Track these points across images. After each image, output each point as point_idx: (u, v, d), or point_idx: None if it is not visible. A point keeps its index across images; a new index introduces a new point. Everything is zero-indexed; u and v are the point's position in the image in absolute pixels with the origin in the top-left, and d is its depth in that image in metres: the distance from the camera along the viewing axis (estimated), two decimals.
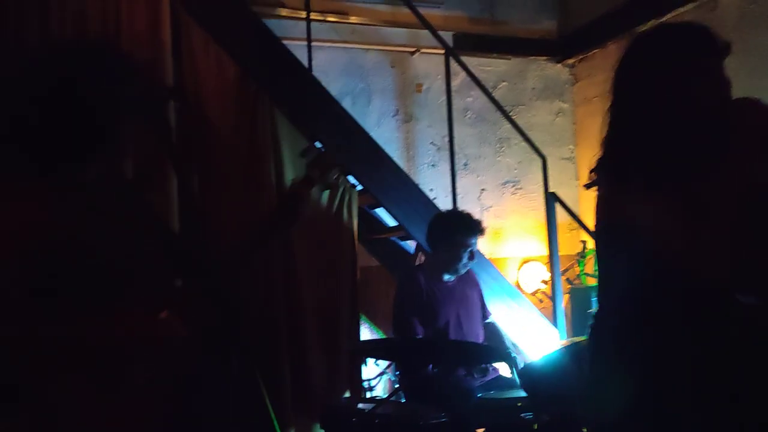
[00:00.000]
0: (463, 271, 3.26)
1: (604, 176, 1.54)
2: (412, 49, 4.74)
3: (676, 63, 1.47)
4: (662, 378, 1.43)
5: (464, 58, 4.58)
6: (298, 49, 3.79)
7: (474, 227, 3.22)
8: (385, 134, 4.58)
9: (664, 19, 4.23)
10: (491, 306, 3.60)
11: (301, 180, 2.76)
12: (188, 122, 3.13)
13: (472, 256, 3.21)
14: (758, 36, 3.75)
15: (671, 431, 1.43)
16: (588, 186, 1.60)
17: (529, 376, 2.55)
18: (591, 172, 1.59)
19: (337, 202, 3.53)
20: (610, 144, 1.53)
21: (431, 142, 4.79)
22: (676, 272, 1.38)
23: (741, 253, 1.35)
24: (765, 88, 3.70)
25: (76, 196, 1.37)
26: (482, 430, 2.83)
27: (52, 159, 1.36)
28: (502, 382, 3.13)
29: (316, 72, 3.81)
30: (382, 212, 4.16)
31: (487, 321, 3.46)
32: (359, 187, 3.68)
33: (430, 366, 2.70)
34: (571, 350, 2.54)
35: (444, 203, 4.25)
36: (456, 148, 4.76)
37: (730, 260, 1.36)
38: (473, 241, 3.20)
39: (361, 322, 4.39)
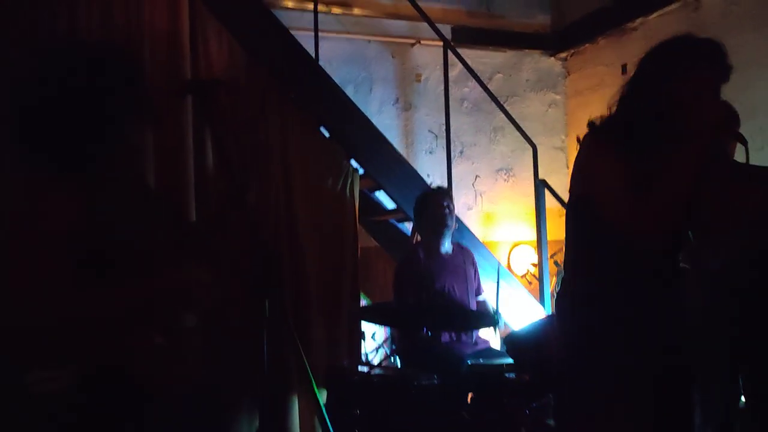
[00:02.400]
0: (450, 225, 3.54)
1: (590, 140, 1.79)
2: (413, 41, 4.96)
3: (665, 65, 1.74)
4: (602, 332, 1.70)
5: (462, 50, 4.79)
6: (304, 39, 4.02)
7: (439, 190, 3.68)
8: (386, 121, 4.81)
9: (650, 17, 4.48)
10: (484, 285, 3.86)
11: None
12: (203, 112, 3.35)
13: (451, 213, 3.55)
14: (739, 36, 3.97)
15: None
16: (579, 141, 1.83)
17: (513, 341, 2.82)
18: (588, 124, 1.82)
19: (340, 184, 3.77)
20: (608, 118, 1.79)
21: (429, 130, 5.03)
22: (625, 242, 1.64)
23: (682, 223, 1.61)
24: (743, 82, 3.93)
25: (108, 187, 1.59)
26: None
27: (83, 156, 1.55)
28: (491, 352, 3.39)
29: (321, 61, 4.03)
30: (381, 196, 4.39)
31: (480, 299, 3.73)
32: (361, 171, 3.92)
33: (425, 329, 2.95)
34: (552, 319, 2.81)
35: None
36: (452, 135, 4.98)
37: (670, 229, 1.61)
38: (443, 198, 3.57)
39: (360, 298, 4.65)
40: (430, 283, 3.41)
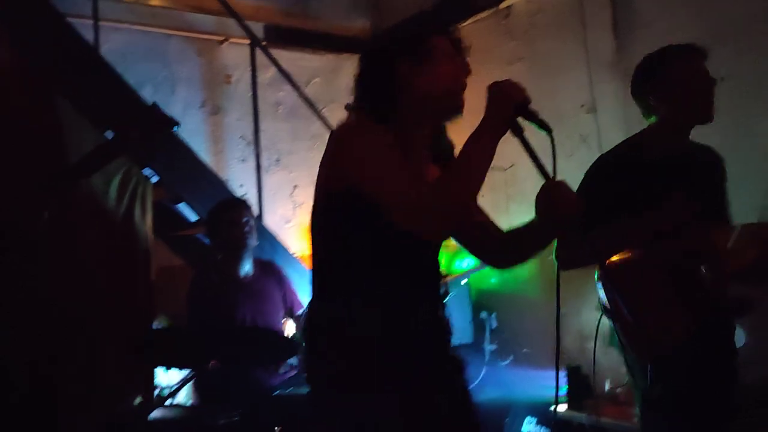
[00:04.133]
0: (250, 244, 3.18)
1: None
2: (221, 38, 4.55)
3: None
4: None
5: (277, 52, 4.48)
6: (89, 29, 3.50)
7: (236, 202, 3.32)
8: (191, 126, 4.34)
9: (465, 24, 4.45)
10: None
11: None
12: None
13: (251, 230, 3.17)
14: (545, 42, 4.05)
15: None
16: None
17: None
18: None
19: (128, 195, 3.29)
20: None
21: (241, 136, 4.63)
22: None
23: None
24: (551, 89, 4.01)
25: None
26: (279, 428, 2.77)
27: None
28: (302, 378, 3.07)
29: (112, 55, 3.53)
30: (186, 208, 3.94)
31: (299, 313, 3.40)
32: (155, 180, 3.45)
33: (213, 361, 2.58)
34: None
35: (255, 199, 4.13)
36: (268, 142, 4.66)
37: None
38: (241, 213, 3.19)
39: (164, 324, 4.14)
40: (228, 313, 3.01)
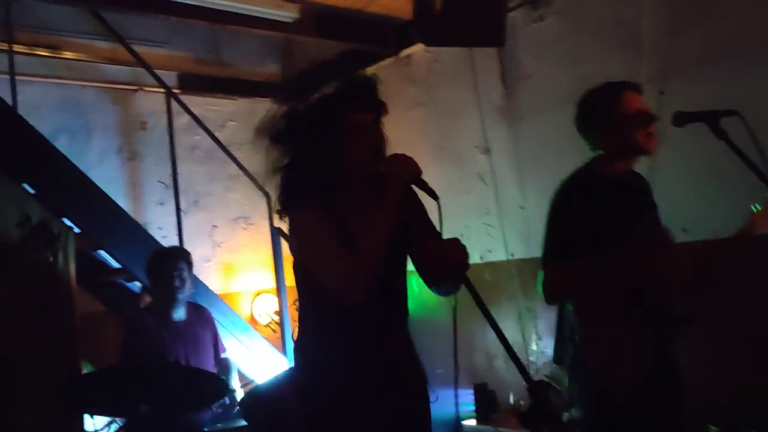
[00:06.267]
0: (181, 296, 3.32)
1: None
2: (135, 87, 4.67)
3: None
4: None
5: (191, 98, 4.64)
6: (2, 83, 3.57)
7: (171, 252, 3.45)
8: (108, 173, 4.44)
9: (371, 69, 4.76)
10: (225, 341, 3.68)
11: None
12: None
13: (184, 281, 3.31)
14: (442, 89, 4.40)
15: None
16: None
17: (250, 400, 2.69)
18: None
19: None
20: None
21: (159, 180, 4.74)
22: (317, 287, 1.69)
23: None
24: (450, 132, 4.37)
25: None
26: None
27: None
28: (230, 414, 3.22)
29: (26, 108, 3.60)
30: (106, 253, 4.01)
31: (222, 357, 3.54)
32: (77, 230, 3.53)
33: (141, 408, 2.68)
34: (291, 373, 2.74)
35: (175, 241, 4.25)
36: (186, 185, 4.78)
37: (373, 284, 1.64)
38: (175, 263, 3.32)
39: (87, 371, 4.15)
40: (162, 356, 3.14)
